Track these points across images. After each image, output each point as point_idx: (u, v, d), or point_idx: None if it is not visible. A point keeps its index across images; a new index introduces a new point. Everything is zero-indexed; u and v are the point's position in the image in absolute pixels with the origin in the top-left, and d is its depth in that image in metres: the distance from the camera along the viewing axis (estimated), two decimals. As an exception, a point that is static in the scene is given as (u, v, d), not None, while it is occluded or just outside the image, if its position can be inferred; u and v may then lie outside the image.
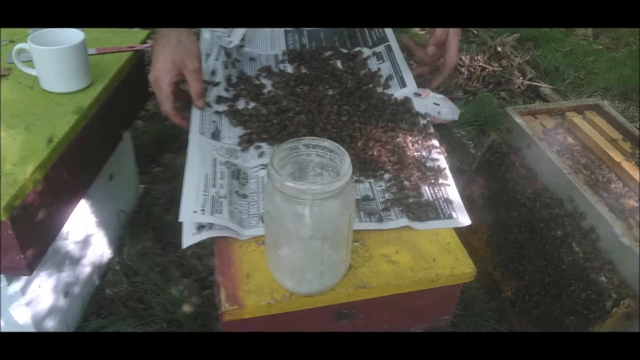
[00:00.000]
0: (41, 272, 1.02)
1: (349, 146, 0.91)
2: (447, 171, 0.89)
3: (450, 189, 0.86)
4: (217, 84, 1.01)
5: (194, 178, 0.80)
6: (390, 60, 1.11)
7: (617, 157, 1.14)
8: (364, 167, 0.88)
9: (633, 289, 0.96)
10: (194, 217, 0.74)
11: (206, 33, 1.13)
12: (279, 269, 0.71)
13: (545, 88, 2.21)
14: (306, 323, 0.75)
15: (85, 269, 1.21)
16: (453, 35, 0.96)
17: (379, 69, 1.10)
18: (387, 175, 0.87)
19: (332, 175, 0.67)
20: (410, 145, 0.93)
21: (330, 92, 1.03)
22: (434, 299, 0.79)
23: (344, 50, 1.15)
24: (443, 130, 1.92)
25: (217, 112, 0.96)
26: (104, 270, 1.31)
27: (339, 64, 1.11)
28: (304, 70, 1.09)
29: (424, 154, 0.92)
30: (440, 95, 2.03)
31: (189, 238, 0.74)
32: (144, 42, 1.25)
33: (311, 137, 0.68)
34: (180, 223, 0.75)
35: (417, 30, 2.55)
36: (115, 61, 1.17)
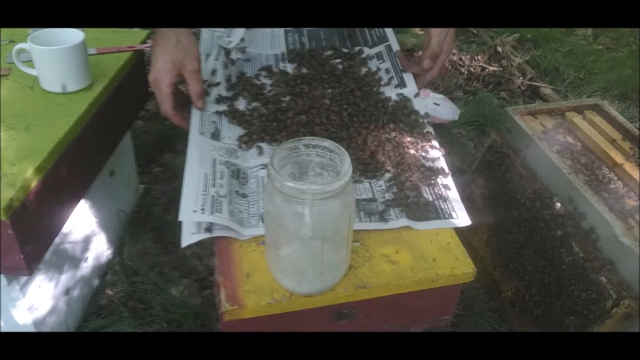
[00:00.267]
0: (41, 272, 1.02)
1: (349, 146, 0.91)
2: (447, 171, 0.89)
3: (450, 189, 0.86)
4: (217, 84, 1.01)
5: (193, 178, 0.80)
6: (390, 60, 1.11)
7: (617, 157, 1.14)
8: (364, 167, 0.88)
9: (633, 289, 0.96)
10: (194, 216, 0.74)
11: (206, 33, 1.13)
12: (279, 269, 0.71)
13: (545, 88, 2.21)
14: (306, 323, 0.75)
15: (85, 269, 1.21)
16: (446, 51, 0.98)
17: (378, 69, 1.10)
18: (387, 175, 0.88)
19: (332, 175, 0.67)
20: (410, 145, 0.93)
21: (330, 91, 1.03)
22: (434, 299, 0.79)
23: (344, 50, 1.15)
24: (443, 130, 1.92)
25: (217, 112, 0.96)
26: (104, 270, 1.31)
27: (339, 63, 1.11)
28: (304, 70, 1.09)
29: (423, 154, 0.92)
30: (440, 95, 2.02)
31: (189, 237, 0.74)
32: (144, 42, 1.25)
33: (311, 137, 0.68)
34: (180, 223, 0.75)
35: (417, 30, 2.55)
36: (115, 61, 1.17)
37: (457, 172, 1.60)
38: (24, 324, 1.01)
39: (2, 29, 1.24)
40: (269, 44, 1.18)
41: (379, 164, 0.89)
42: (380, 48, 1.14)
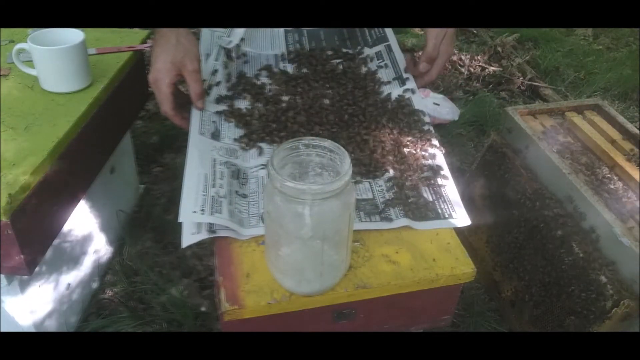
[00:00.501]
0: (41, 272, 1.02)
1: (349, 146, 0.91)
2: (447, 171, 0.89)
3: (450, 189, 0.86)
4: (217, 84, 1.01)
5: (193, 178, 0.80)
6: (390, 59, 1.11)
7: (617, 157, 1.14)
8: (364, 167, 0.88)
9: (633, 289, 0.96)
10: (194, 217, 0.74)
11: (206, 33, 1.13)
12: (279, 269, 0.71)
13: (545, 88, 2.21)
14: (306, 323, 0.75)
15: (85, 269, 1.21)
16: (443, 53, 0.98)
17: (378, 68, 1.10)
18: (387, 175, 0.87)
19: (332, 175, 0.67)
20: (410, 145, 0.93)
21: (330, 91, 1.03)
22: (434, 299, 0.79)
23: (344, 50, 1.15)
24: (443, 130, 1.92)
25: (217, 112, 0.96)
26: (104, 271, 1.31)
27: (339, 63, 1.11)
28: (304, 70, 1.09)
29: (423, 153, 0.92)
30: (440, 95, 2.03)
31: (189, 238, 0.74)
32: (144, 42, 1.25)
33: (311, 137, 0.68)
34: (180, 223, 0.75)
35: (417, 30, 2.55)
36: (115, 61, 1.17)
37: (457, 172, 1.59)
38: (24, 324, 1.01)
39: (2, 29, 1.24)
40: (269, 44, 1.18)
41: (379, 163, 0.89)
42: (380, 47, 1.14)
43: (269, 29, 1.21)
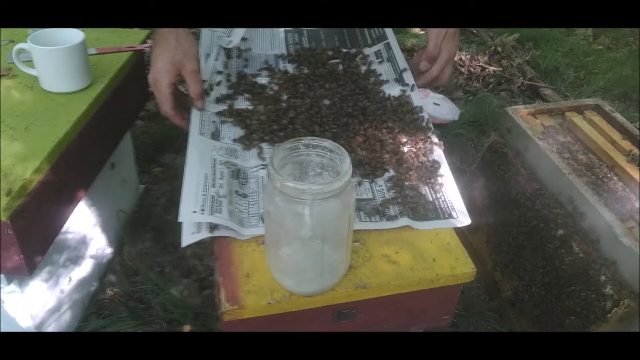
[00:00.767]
0: (41, 272, 1.02)
1: (349, 146, 0.91)
2: (447, 171, 0.89)
3: (450, 189, 0.86)
4: (217, 84, 1.01)
5: (193, 178, 0.80)
6: (389, 58, 1.11)
7: (617, 157, 1.14)
8: (364, 167, 0.88)
9: (633, 289, 0.96)
10: (194, 217, 0.74)
11: (206, 33, 1.13)
12: (279, 269, 0.71)
13: (545, 88, 2.21)
14: (306, 323, 0.75)
15: (85, 269, 1.21)
16: (445, 51, 0.98)
17: (378, 68, 1.10)
18: (387, 175, 0.87)
19: (332, 175, 0.67)
20: (410, 145, 0.93)
21: (330, 91, 1.03)
22: (434, 299, 0.79)
23: (344, 50, 1.15)
24: (443, 130, 1.92)
25: (217, 113, 0.96)
26: (104, 271, 1.31)
27: (338, 63, 1.11)
28: (304, 70, 1.09)
29: (423, 153, 0.92)
30: (440, 95, 2.03)
31: (189, 237, 0.74)
32: (144, 42, 1.25)
33: (311, 137, 0.68)
34: (180, 223, 0.75)
35: (417, 30, 2.55)
36: (115, 61, 1.17)
37: (457, 172, 1.59)
38: (24, 324, 1.01)
39: (2, 29, 1.24)
40: (269, 44, 1.18)
41: (379, 163, 0.89)
42: (380, 46, 1.14)
43: (269, 29, 1.21)
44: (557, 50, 2.50)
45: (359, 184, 0.86)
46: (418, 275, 0.74)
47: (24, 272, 0.89)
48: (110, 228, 1.31)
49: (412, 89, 1.03)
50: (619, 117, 1.25)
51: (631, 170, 1.11)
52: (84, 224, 1.18)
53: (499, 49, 2.38)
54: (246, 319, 0.70)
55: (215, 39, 1.11)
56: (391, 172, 0.88)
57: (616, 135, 1.21)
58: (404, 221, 0.80)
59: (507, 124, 1.28)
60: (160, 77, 0.88)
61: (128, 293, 1.27)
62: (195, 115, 0.93)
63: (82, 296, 1.20)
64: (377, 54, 1.13)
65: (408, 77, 1.05)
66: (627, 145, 1.19)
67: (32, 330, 1.03)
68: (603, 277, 0.98)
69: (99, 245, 1.27)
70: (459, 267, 0.76)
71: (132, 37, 1.26)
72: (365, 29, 1.21)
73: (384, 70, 1.09)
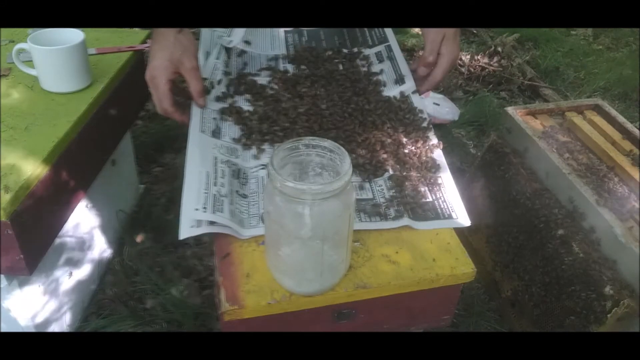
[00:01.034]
0: (41, 272, 1.02)
1: (349, 146, 0.91)
2: (447, 171, 0.89)
3: (450, 189, 0.86)
4: (218, 82, 1.01)
5: (194, 176, 0.79)
6: (390, 59, 1.11)
7: (617, 157, 1.14)
8: (364, 166, 0.88)
9: (633, 289, 0.96)
10: (196, 214, 0.74)
11: (206, 32, 1.12)
12: (279, 269, 0.71)
13: (545, 88, 2.21)
14: (306, 323, 0.75)
15: (85, 269, 1.21)
16: (446, 54, 0.97)
17: (378, 69, 1.10)
18: (387, 175, 0.88)
19: (332, 175, 0.67)
20: (410, 145, 0.93)
21: (330, 91, 1.03)
22: (434, 299, 0.79)
23: (345, 50, 1.15)
24: (443, 130, 1.92)
25: (218, 111, 0.96)
26: (104, 270, 1.31)
27: (339, 63, 1.11)
28: (304, 70, 1.09)
29: (423, 154, 0.92)
30: (440, 95, 2.03)
31: (187, 230, 0.73)
32: (144, 42, 1.25)
33: (311, 137, 0.68)
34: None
35: (417, 30, 2.55)
36: (115, 61, 1.17)
37: (457, 172, 1.59)
38: (24, 324, 1.01)
39: (2, 29, 1.24)
40: (269, 44, 1.18)
41: (379, 163, 0.89)
42: (380, 48, 1.14)
43: (268, 29, 1.21)
44: (557, 50, 2.50)
45: (361, 187, 0.86)
46: (418, 275, 0.74)
47: (24, 272, 0.89)
48: (110, 228, 1.31)
49: (412, 91, 1.03)
50: (619, 117, 1.25)
51: (631, 170, 1.11)
52: (84, 224, 1.18)
53: (499, 49, 2.38)
54: (246, 319, 0.70)
55: (216, 39, 1.11)
56: (391, 172, 0.88)
57: (616, 135, 1.21)
58: (404, 221, 0.80)
59: (507, 124, 1.28)
60: (157, 74, 0.88)
61: (128, 293, 1.27)
62: (195, 113, 0.93)
63: (82, 296, 1.20)
64: (378, 55, 1.13)
65: (408, 78, 1.05)
66: (627, 145, 1.19)
67: (32, 330, 1.03)
68: (603, 277, 0.98)
69: (99, 245, 1.27)
70: (459, 267, 0.76)
71: (132, 37, 1.26)
72: (366, 30, 1.21)
73: (384, 71, 1.09)
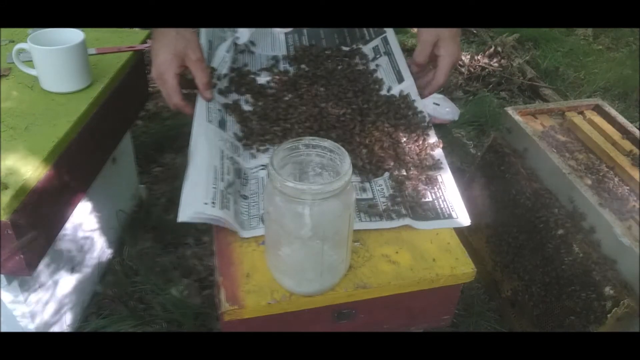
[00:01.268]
0: (41, 272, 1.02)
1: (349, 145, 0.90)
2: (447, 170, 0.89)
3: (450, 189, 0.86)
4: (224, 76, 1.00)
5: (203, 169, 0.78)
6: (387, 55, 1.11)
7: (617, 157, 1.14)
8: (364, 166, 0.88)
9: (633, 289, 0.96)
10: (205, 208, 0.73)
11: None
12: (279, 269, 0.71)
13: (545, 88, 2.21)
14: (306, 323, 0.75)
15: (85, 269, 1.21)
16: (445, 56, 0.96)
17: (377, 66, 1.09)
18: (386, 175, 0.87)
19: (332, 175, 0.67)
20: (410, 144, 0.93)
21: (330, 91, 1.03)
22: (434, 299, 0.79)
23: (344, 49, 1.15)
24: (443, 130, 1.92)
25: (222, 104, 0.96)
26: (104, 271, 1.31)
27: (338, 62, 1.11)
28: (304, 70, 1.09)
29: (424, 153, 0.92)
30: (441, 95, 2.03)
31: (188, 216, 0.72)
32: (144, 42, 1.25)
33: (311, 137, 0.68)
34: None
35: (416, 30, 2.55)
36: (115, 61, 1.17)
37: (457, 172, 1.59)
38: (24, 324, 1.01)
39: (2, 29, 1.24)
40: (269, 44, 1.18)
41: (379, 163, 0.88)
42: (377, 42, 1.14)
43: (269, 30, 1.21)
44: (557, 50, 2.50)
45: (361, 187, 0.86)
46: (418, 275, 0.74)
47: (24, 272, 0.89)
48: (110, 228, 1.31)
49: (410, 89, 1.03)
50: (619, 117, 1.25)
51: (631, 170, 1.11)
52: (84, 224, 1.18)
53: (499, 49, 2.38)
54: (246, 319, 0.70)
55: (219, 32, 1.11)
56: (391, 172, 0.88)
57: (616, 135, 1.21)
58: (404, 221, 0.80)
59: (507, 124, 1.28)
60: (164, 69, 0.87)
61: (128, 293, 1.27)
62: (201, 102, 0.92)
63: (82, 296, 1.20)
64: (375, 50, 1.13)
65: (407, 75, 1.05)
66: (627, 145, 1.19)
67: (32, 330, 1.03)
68: (603, 277, 0.98)
69: (99, 245, 1.27)
70: (459, 267, 0.76)
71: (132, 37, 1.26)
72: (365, 29, 1.21)
73: (383, 69, 1.09)
